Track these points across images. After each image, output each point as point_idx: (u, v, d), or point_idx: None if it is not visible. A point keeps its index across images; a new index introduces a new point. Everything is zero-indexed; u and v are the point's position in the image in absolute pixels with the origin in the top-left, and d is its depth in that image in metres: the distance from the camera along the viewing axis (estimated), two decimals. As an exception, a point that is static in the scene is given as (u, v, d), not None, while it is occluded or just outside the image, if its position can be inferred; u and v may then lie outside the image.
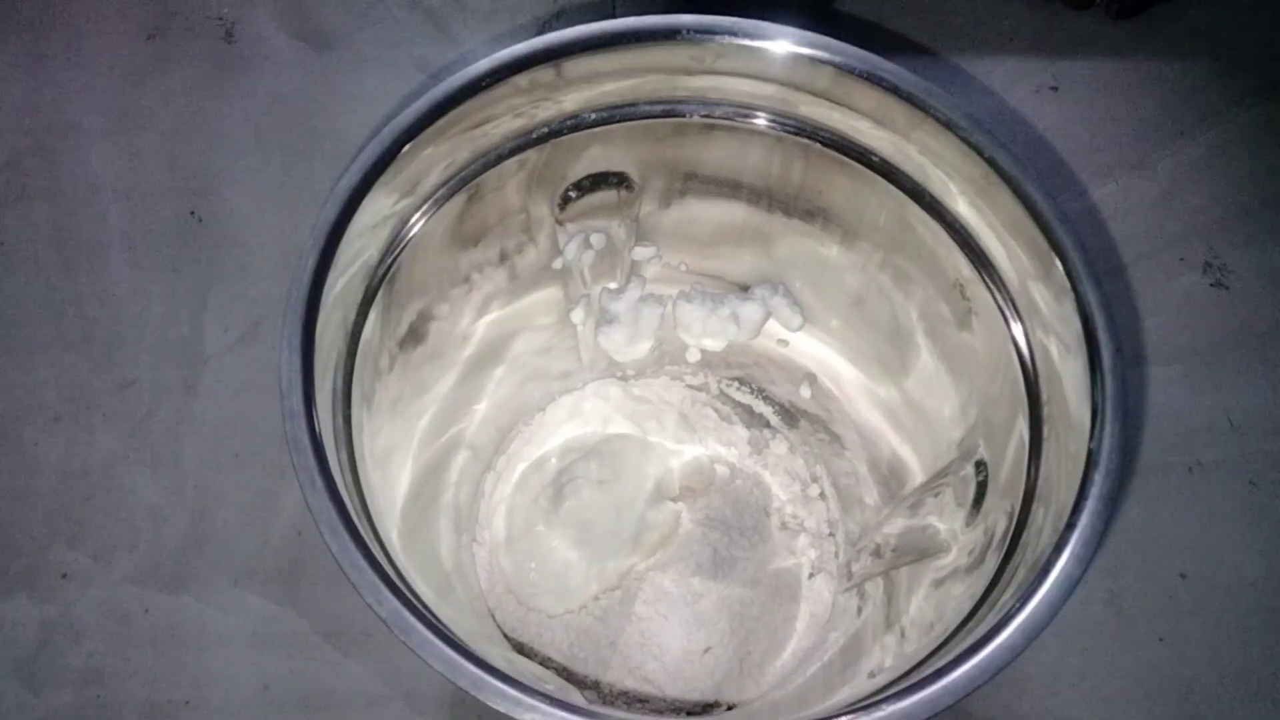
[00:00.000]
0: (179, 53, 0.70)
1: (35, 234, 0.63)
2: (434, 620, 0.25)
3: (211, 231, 0.64)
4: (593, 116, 0.37)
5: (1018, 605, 0.26)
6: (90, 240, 0.63)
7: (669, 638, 0.47)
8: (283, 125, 0.67)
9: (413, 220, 0.36)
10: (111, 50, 0.70)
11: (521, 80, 0.34)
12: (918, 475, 0.44)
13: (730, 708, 0.46)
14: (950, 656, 0.26)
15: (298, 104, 0.68)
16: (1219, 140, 0.68)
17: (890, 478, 0.47)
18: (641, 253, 0.47)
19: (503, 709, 0.23)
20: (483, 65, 0.33)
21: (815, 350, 0.49)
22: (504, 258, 0.42)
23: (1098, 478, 0.28)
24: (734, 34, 0.33)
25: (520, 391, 0.50)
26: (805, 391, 0.51)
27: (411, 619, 0.24)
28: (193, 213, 0.64)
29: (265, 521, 0.55)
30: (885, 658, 0.38)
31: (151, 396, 0.58)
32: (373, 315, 0.35)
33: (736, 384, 0.55)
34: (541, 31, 0.70)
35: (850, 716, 0.24)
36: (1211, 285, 0.63)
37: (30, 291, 0.61)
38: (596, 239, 0.45)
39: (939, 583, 0.37)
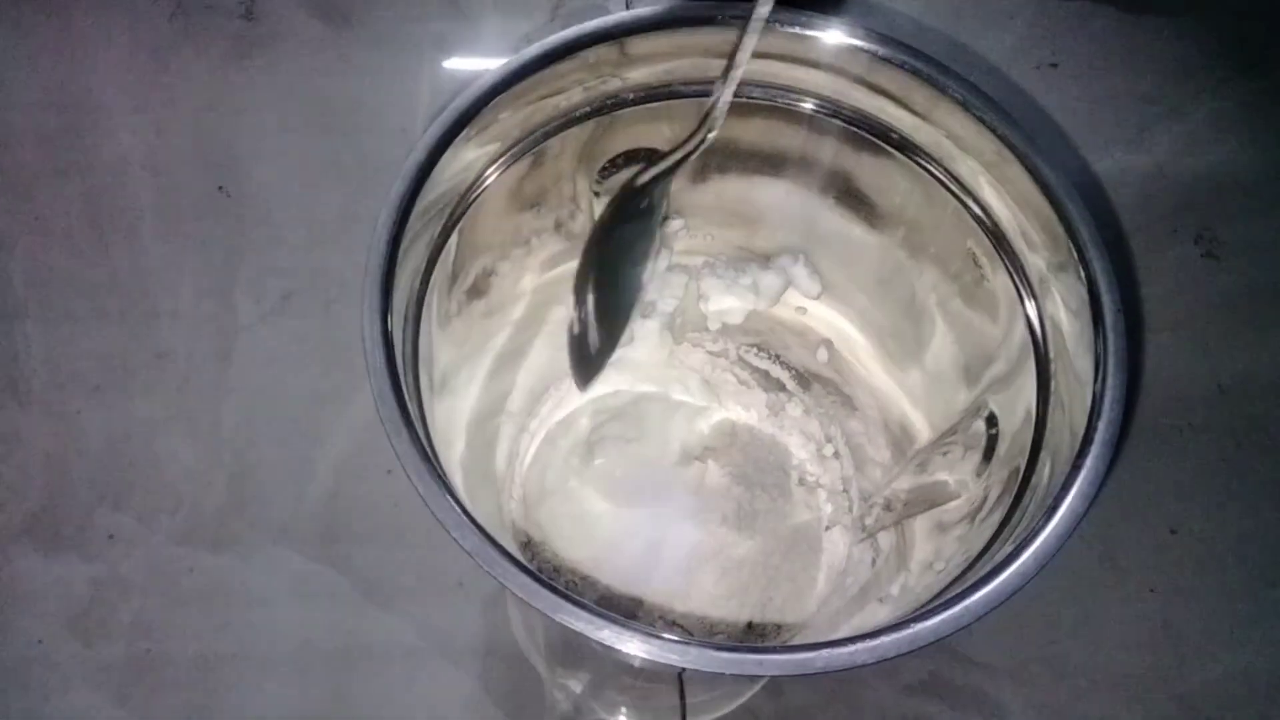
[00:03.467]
0: (201, 31, 0.71)
1: (69, 209, 0.65)
2: (510, 554, 0.27)
3: (239, 206, 0.65)
4: (631, 96, 0.40)
5: (1030, 536, 0.29)
6: (122, 215, 0.65)
7: (697, 586, 0.50)
8: (304, 101, 0.69)
9: (487, 173, 0.39)
10: (135, 29, 0.71)
11: (590, 55, 0.36)
12: (926, 434, 0.47)
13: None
14: (969, 583, 0.29)
15: (318, 80, 0.70)
16: (1211, 116, 0.70)
17: (901, 437, 0.50)
18: (671, 225, 0.50)
19: (578, 628, 0.26)
20: (570, 33, 0.36)
21: (832, 318, 0.52)
22: (558, 225, 0.45)
23: (1101, 425, 0.31)
24: (770, 20, 0.36)
25: (554, 358, 0.53)
26: (822, 355, 0.54)
27: (494, 551, 0.27)
28: (220, 188, 0.66)
29: (301, 484, 0.58)
30: (893, 589, 0.41)
31: (187, 366, 0.61)
32: (441, 265, 0.38)
33: (754, 350, 0.58)
34: (557, 9, 0.72)
35: (886, 635, 0.27)
36: (1203, 256, 0.66)
37: (66, 265, 0.63)
38: (629, 211, 0.47)
39: (947, 527, 0.40)
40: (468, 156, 0.36)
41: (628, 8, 0.67)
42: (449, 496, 0.28)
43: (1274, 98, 0.70)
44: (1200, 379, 0.62)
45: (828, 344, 0.53)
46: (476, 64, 0.71)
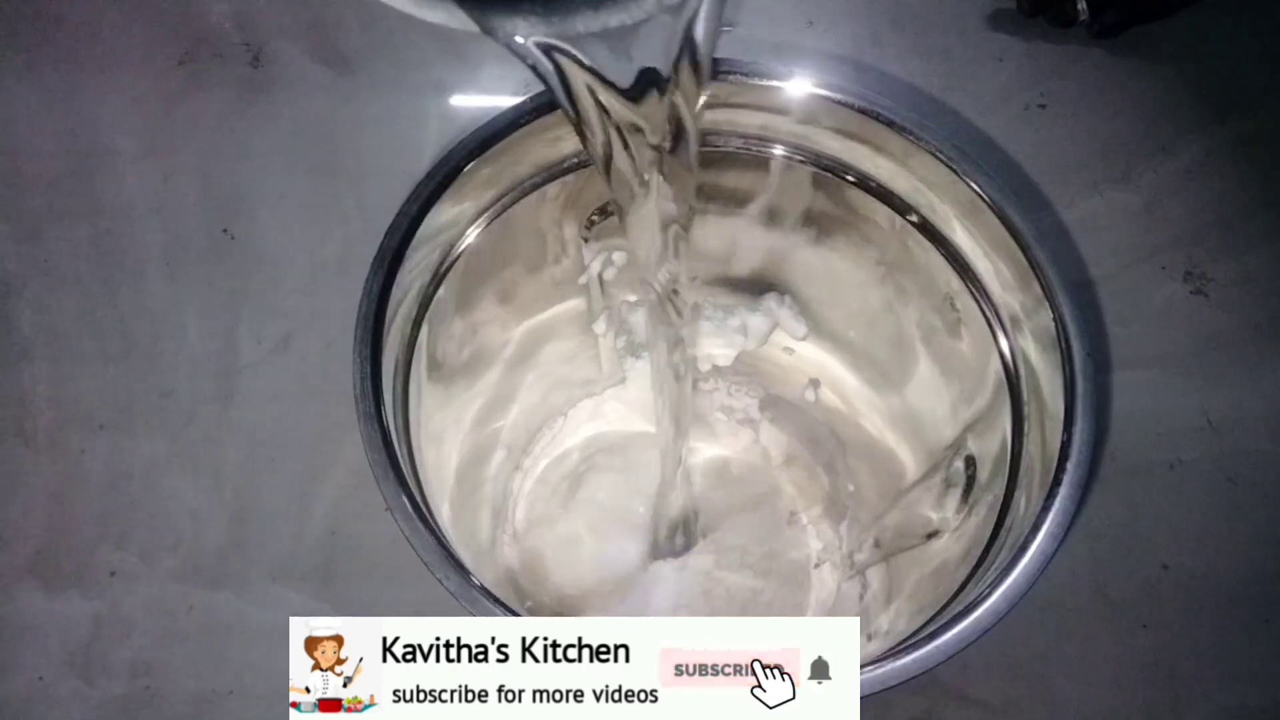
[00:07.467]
0: (209, 78, 0.73)
1: (76, 252, 0.66)
2: (492, 594, 0.28)
3: (243, 248, 0.67)
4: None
5: (1000, 576, 0.30)
6: (128, 258, 0.66)
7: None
8: (308, 146, 0.71)
9: (469, 230, 0.40)
10: (144, 76, 0.73)
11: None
12: (913, 472, 0.48)
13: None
14: (942, 622, 0.29)
15: (322, 125, 0.71)
16: (1198, 154, 0.71)
17: (889, 474, 0.51)
18: (659, 268, 0.51)
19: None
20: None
21: (819, 357, 0.53)
22: (542, 269, 0.46)
23: (1070, 466, 0.31)
24: (749, 73, 0.37)
25: (547, 397, 0.54)
26: (810, 396, 0.55)
27: (475, 592, 0.28)
28: (225, 230, 0.67)
29: (300, 522, 0.58)
30: (882, 623, 0.42)
31: (190, 405, 0.62)
32: (430, 315, 0.39)
33: (745, 388, 0.59)
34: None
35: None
36: (1191, 293, 0.66)
37: (74, 307, 0.64)
38: (618, 256, 0.48)
39: (931, 564, 0.41)
40: (455, 210, 0.38)
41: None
42: (433, 537, 0.29)
43: (1260, 137, 0.71)
44: (1190, 415, 0.62)
45: (815, 383, 0.54)
46: (481, 104, 0.72)
